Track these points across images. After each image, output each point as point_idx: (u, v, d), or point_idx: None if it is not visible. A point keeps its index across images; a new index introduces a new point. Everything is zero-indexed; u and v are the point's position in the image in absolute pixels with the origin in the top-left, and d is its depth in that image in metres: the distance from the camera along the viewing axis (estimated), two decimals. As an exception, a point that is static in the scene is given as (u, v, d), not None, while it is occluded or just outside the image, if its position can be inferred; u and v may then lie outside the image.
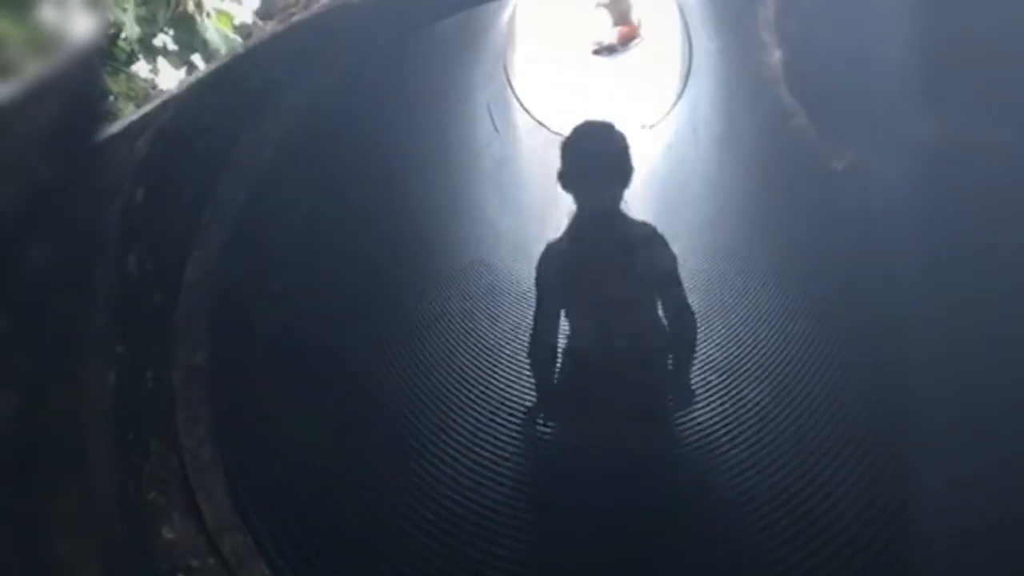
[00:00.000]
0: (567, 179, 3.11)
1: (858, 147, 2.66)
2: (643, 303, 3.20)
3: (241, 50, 1.58)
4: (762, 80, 3.38)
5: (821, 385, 3.01)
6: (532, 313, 3.28)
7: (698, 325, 3.38)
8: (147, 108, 1.29)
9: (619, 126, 3.16)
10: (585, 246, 3.15)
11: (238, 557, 2.09)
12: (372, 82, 2.82)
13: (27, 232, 0.39)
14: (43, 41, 0.51)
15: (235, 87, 1.76)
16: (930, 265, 1.98)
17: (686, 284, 3.23)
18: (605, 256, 3.16)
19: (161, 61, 3.89)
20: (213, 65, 1.54)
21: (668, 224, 5.32)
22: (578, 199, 3.12)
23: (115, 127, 1.19)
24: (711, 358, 3.71)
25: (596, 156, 3.08)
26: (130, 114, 2.79)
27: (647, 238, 3.14)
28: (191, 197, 1.95)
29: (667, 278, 3.14)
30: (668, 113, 6.87)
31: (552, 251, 3.25)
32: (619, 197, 3.12)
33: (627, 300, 3.17)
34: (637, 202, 5.89)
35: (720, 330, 3.90)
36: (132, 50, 3.69)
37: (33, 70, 0.48)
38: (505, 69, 6.68)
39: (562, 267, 3.18)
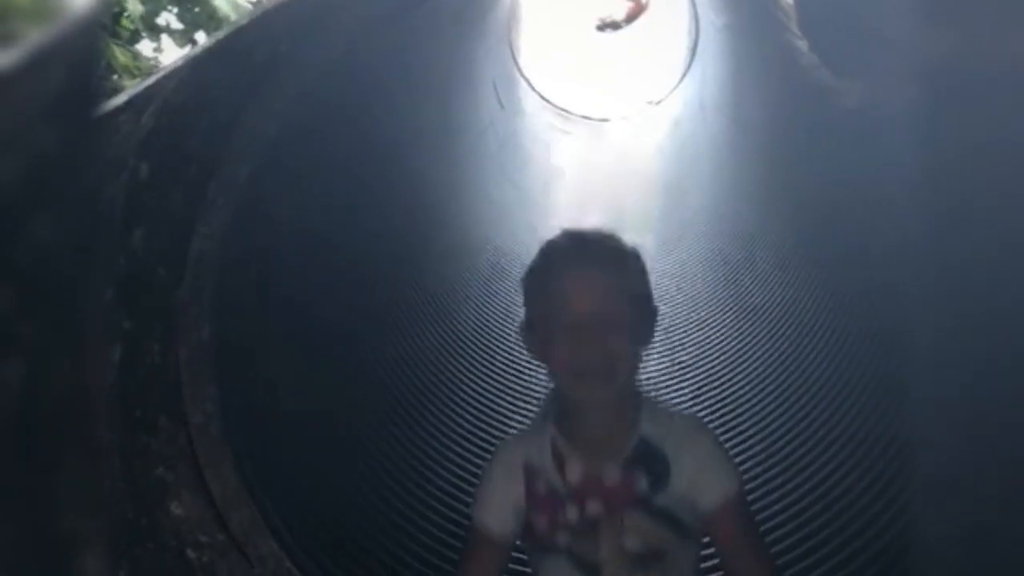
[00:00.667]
0: (538, 337, 1.84)
1: (868, 78, 2.52)
2: (677, 557, 1.82)
3: (244, 22, 1.57)
4: (773, 26, 3.12)
5: (827, 358, 3.01)
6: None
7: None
8: (151, 80, 1.28)
9: (625, 239, 1.89)
10: (573, 458, 1.81)
11: (246, 532, 2.10)
12: (377, 56, 2.77)
13: (31, 201, 0.39)
14: (47, 10, 0.51)
15: (239, 59, 1.74)
16: (935, 235, 1.98)
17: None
18: (609, 477, 1.80)
19: (165, 40, 3.89)
20: (217, 37, 1.53)
21: (676, 203, 5.34)
22: (559, 376, 1.84)
23: (120, 99, 1.18)
24: (713, 339, 3.72)
25: (591, 295, 1.77)
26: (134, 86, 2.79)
27: (685, 443, 1.82)
28: (195, 172, 1.95)
29: (724, 515, 1.79)
30: (675, 89, 6.85)
31: (508, 461, 1.91)
32: (634, 369, 1.84)
33: (648, 554, 1.80)
34: (642, 183, 5.94)
35: (730, 304, 3.90)
36: (136, 28, 3.68)
37: (34, 39, 0.48)
38: (510, 46, 6.66)
39: (526, 491, 1.84)
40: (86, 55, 0.52)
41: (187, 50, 3.84)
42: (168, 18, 3.92)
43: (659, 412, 1.90)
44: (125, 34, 3.57)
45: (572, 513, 1.81)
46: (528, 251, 4.45)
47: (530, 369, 3.39)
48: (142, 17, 3.59)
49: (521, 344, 2.15)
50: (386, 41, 2.77)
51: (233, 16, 3.60)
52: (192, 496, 2.03)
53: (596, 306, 1.77)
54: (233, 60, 1.69)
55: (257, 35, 1.63)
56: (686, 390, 3.38)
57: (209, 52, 1.42)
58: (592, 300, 1.78)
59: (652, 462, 1.81)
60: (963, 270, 1.88)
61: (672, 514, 1.79)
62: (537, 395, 3.12)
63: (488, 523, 1.88)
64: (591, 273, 1.83)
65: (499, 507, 1.87)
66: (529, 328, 1.89)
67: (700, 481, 1.80)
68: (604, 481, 1.80)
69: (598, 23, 9.30)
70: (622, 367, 1.80)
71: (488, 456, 2.28)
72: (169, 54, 3.96)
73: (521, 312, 1.90)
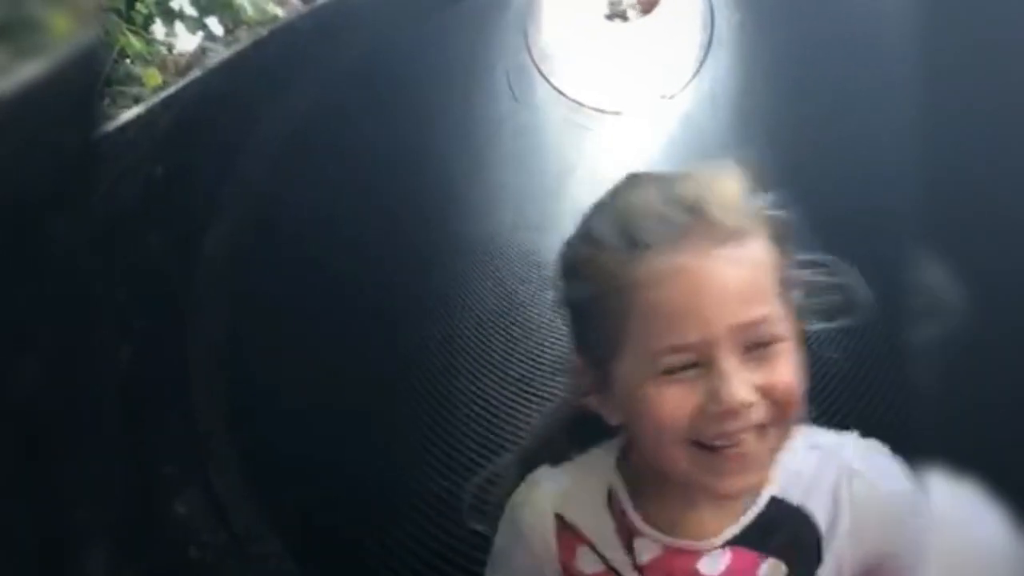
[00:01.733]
0: (609, 373, 1.10)
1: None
2: None
3: (265, 33, 1.56)
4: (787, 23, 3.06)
5: (841, 352, 2.97)
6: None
7: None
8: (170, 90, 1.27)
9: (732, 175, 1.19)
10: (648, 536, 1.16)
11: (250, 532, 2.09)
12: (396, 53, 2.75)
13: (49, 208, 0.38)
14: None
15: (259, 65, 1.73)
16: (952, 227, 1.96)
17: None
18: (709, 565, 1.13)
19: (178, 25, 3.86)
20: (238, 47, 1.53)
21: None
22: (658, 445, 1.09)
23: (138, 110, 1.17)
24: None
25: (734, 290, 1.05)
26: (147, 76, 2.76)
27: (856, 498, 1.15)
28: (211, 172, 1.94)
29: None
30: (687, 84, 6.82)
31: (525, 514, 1.25)
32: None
33: None
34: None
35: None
36: (149, 13, 3.65)
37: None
38: (525, 37, 6.63)
39: (562, 562, 1.21)
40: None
41: (199, 36, 3.81)
42: (182, 3, 3.89)
43: (800, 444, 1.12)
44: (139, 19, 3.54)
45: None
46: (547, 242, 4.44)
47: (545, 364, 3.35)
48: (156, 2, 3.56)
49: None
50: (406, 36, 2.74)
51: (250, 10, 3.58)
52: (197, 495, 2.02)
53: (746, 309, 1.02)
54: (253, 66, 1.67)
55: (280, 39, 1.61)
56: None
57: (231, 60, 1.41)
58: (738, 299, 1.02)
59: (791, 538, 1.09)
60: (979, 254, 1.87)
61: None
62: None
63: None
64: (731, 252, 1.05)
65: None
66: (588, 356, 1.11)
67: (882, 554, 1.12)
68: (700, 570, 1.11)
69: (607, 12, 9.31)
70: (794, 413, 1.04)
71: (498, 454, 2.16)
72: (182, 39, 3.94)
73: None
